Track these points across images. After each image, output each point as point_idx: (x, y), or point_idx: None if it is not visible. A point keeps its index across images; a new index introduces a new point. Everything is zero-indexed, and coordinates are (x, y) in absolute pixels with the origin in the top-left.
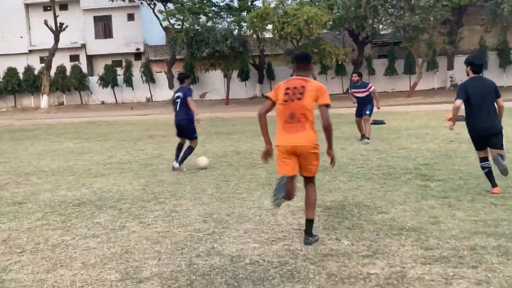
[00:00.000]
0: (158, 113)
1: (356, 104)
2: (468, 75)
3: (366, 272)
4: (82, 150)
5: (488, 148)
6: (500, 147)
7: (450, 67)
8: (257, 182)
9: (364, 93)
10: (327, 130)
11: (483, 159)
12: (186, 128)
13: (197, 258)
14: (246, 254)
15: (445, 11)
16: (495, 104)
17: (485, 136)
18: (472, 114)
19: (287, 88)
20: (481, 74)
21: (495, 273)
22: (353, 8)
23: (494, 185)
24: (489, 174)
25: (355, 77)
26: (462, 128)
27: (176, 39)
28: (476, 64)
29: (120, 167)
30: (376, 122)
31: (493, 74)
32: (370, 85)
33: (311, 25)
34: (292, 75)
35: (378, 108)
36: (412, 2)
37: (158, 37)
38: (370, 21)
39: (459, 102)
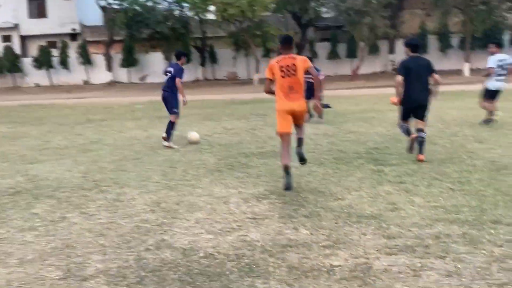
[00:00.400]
0: (96, 96)
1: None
2: (407, 55)
3: (329, 264)
4: (16, 135)
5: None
6: (422, 118)
7: (392, 51)
8: (206, 168)
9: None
10: (318, 84)
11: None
12: (167, 100)
13: (146, 252)
14: (200, 246)
15: None
16: (430, 79)
17: (415, 107)
18: (409, 87)
19: (281, 66)
20: (418, 54)
21: (464, 263)
22: None
23: (412, 148)
24: (407, 131)
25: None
26: None
27: (115, 19)
28: (413, 45)
29: (58, 152)
30: (322, 106)
31: (433, 57)
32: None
33: (254, 7)
34: (280, 54)
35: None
36: None
37: (95, 17)
38: (313, 4)
39: (400, 78)
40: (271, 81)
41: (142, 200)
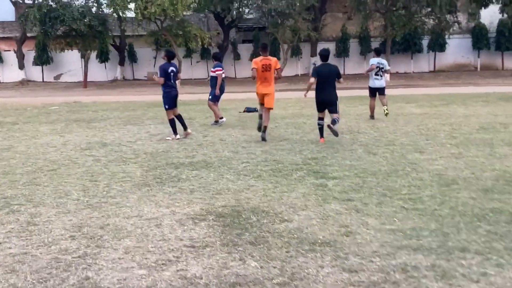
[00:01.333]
0: (7, 95)
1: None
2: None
3: None
4: None
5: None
6: (335, 111)
7: (314, 53)
8: (132, 182)
9: (212, 73)
10: (279, 78)
11: (321, 118)
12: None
13: None
14: (132, 286)
15: None
16: (336, 82)
17: (325, 104)
18: (318, 88)
19: (263, 65)
20: (328, 62)
21: None
22: None
23: (321, 136)
24: (321, 130)
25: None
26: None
27: (27, 15)
28: (322, 55)
29: None
30: (249, 110)
31: (353, 61)
32: (219, 68)
33: (176, 6)
34: (260, 55)
35: (217, 94)
36: None
37: (7, 12)
38: (236, 4)
39: (312, 79)
40: (253, 70)
41: (60, 223)
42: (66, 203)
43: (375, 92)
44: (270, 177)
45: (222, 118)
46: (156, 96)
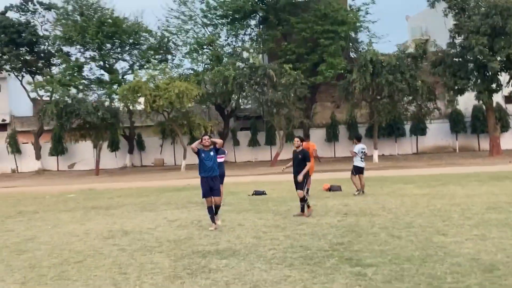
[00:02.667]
0: (25, 184)
1: None
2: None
3: None
4: None
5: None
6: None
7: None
8: (162, 274)
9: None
10: None
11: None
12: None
13: None
14: None
15: (304, 88)
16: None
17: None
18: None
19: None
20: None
21: None
22: (220, 84)
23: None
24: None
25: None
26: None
27: (45, 110)
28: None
29: None
30: (257, 193)
31: (342, 145)
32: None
33: (182, 99)
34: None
35: None
36: (275, 80)
37: (26, 108)
38: (236, 96)
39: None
40: None
41: None
42: None
43: (361, 171)
44: (303, 266)
45: None
46: (164, 181)
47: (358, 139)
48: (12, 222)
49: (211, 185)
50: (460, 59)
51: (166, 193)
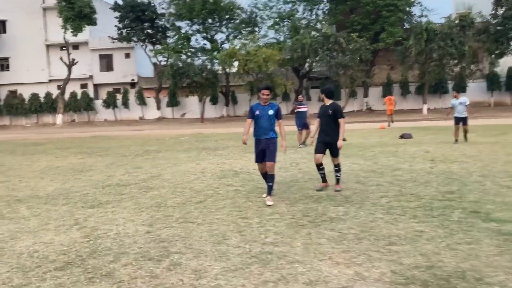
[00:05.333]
0: (149, 128)
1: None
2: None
3: None
4: (83, 167)
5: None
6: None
7: (366, 95)
8: (283, 220)
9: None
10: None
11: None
12: None
13: None
14: None
15: (367, 53)
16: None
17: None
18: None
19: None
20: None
21: None
22: (298, 50)
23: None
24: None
25: (455, 94)
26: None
27: (163, 72)
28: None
29: (119, 191)
30: (406, 136)
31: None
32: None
33: (268, 63)
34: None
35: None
36: (344, 46)
37: (148, 70)
38: (310, 60)
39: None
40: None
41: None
42: (228, 253)
43: (459, 121)
44: (428, 218)
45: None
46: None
47: (458, 92)
48: (140, 160)
49: (264, 147)
50: (502, 27)
51: None
